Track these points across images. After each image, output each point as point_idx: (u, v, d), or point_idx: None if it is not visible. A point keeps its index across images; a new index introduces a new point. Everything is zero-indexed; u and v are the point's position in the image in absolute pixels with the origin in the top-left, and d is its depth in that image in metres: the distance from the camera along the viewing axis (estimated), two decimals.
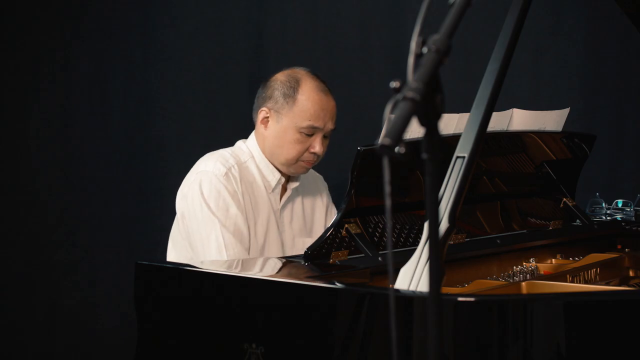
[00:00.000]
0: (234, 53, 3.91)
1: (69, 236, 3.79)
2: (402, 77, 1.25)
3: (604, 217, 3.01)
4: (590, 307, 1.80)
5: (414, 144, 1.25)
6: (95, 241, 3.82)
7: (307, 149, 2.65)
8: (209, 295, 2.11)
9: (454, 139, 2.03)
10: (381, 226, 2.37)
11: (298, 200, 2.79)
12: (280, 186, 2.72)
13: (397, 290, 1.81)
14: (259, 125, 2.71)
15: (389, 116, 1.22)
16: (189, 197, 2.60)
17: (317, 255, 2.22)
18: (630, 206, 3.01)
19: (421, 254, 1.85)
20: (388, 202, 1.25)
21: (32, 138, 3.75)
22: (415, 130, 1.47)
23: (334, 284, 1.95)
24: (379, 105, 1.92)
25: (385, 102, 1.23)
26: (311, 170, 2.82)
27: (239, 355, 1.98)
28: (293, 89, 2.65)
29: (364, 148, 2.20)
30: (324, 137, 2.69)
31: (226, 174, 2.60)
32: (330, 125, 2.69)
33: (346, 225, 2.28)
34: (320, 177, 2.97)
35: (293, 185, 2.76)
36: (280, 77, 2.70)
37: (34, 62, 3.74)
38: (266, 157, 2.70)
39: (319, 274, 2.15)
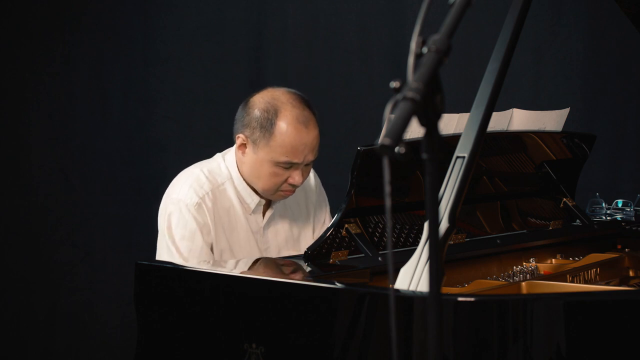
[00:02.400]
0: (234, 53, 3.91)
1: (69, 236, 3.79)
2: (402, 77, 1.25)
3: (604, 217, 3.01)
4: (590, 307, 1.80)
5: (414, 144, 1.25)
6: (95, 241, 3.83)
7: (285, 181, 2.49)
8: (209, 295, 2.11)
9: (454, 139, 2.03)
10: (381, 226, 2.37)
11: (284, 213, 2.67)
12: (260, 207, 2.60)
13: (397, 290, 1.81)
14: (237, 150, 2.55)
15: (389, 116, 1.22)
16: (160, 223, 2.53)
17: (317, 255, 2.22)
18: (630, 206, 3.01)
19: (421, 254, 1.85)
20: (388, 202, 1.25)
21: (32, 138, 3.76)
22: (415, 130, 1.47)
23: (334, 284, 1.95)
24: (379, 105, 1.93)
25: (385, 102, 1.23)
26: None
27: (239, 355, 1.98)
28: (270, 121, 2.44)
29: (364, 148, 2.20)
30: (305, 165, 2.52)
31: (198, 204, 2.47)
32: (310, 158, 2.48)
33: (346, 225, 2.28)
34: (310, 175, 2.78)
35: (277, 203, 2.63)
36: (259, 103, 2.48)
37: (34, 62, 3.74)
38: (246, 180, 2.56)
39: (319, 274, 2.15)
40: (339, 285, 1.92)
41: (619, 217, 3.00)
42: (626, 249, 2.81)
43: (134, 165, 3.85)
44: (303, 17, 3.95)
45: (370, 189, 2.30)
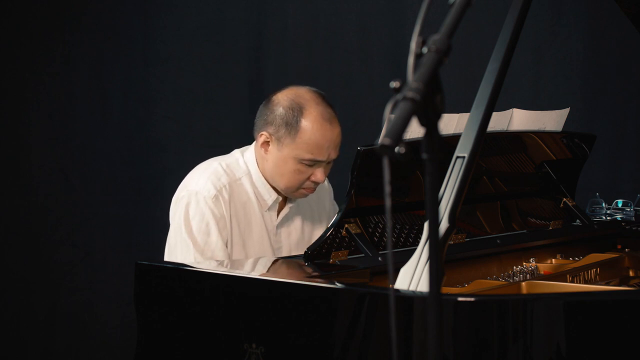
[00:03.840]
0: (234, 53, 3.91)
1: (69, 236, 3.79)
2: (402, 77, 1.25)
3: (604, 217, 3.01)
4: (590, 307, 1.80)
5: (414, 144, 1.25)
6: (95, 241, 3.83)
7: (308, 178, 2.51)
8: (209, 295, 2.11)
9: (454, 139, 2.03)
10: (381, 226, 2.37)
11: (297, 214, 2.68)
12: (276, 205, 2.61)
13: (397, 290, 1.81)
14: (258, 148, 2.55)
15: (389, 116, 1.22)
16: (176, 214, 2.52)
17: (317, 255, 2.22)
18: (630, 206, 3.01)
19: (421, 254, 1.85)
20: (388, 202, 1.25)
21: (32, 138, 3.76)
22: (415, 130, 1.47)
23: (334, 284, 1.95)
24: (379, 105, 1.93)
25: (385, 102, 1.23)
26: None
27: (239, 355, 1.98)
28: (296, 118, 2.46)
29: (364, 148, 2.20)
30: (327, 163, 2.53)
31: (215, 196, 2.48)
32: (333, 155, 2.51)
33: (346, 225, 2.28)
34: (325, 184, 2.82)
35: (291, 203, 2.64)
36: (283, 101, 2.50)
37: (34, 62, 3.74)
38: (265, 177, 2.57)
39: (319, 274, 2.15)
40: (339, 285, 1.93)
41: (619, 217, 3.00)
42: (626, 249, 2.81)
43: (134, 165, 3.85)
44: (303, 17, 3.95)
45: (370, 189, 2.30)
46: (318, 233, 2.71)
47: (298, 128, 2.46)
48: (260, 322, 1.97)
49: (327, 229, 2.25)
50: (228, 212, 2.50)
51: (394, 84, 1.25)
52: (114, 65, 3.83)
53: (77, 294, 3.80)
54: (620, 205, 3.03)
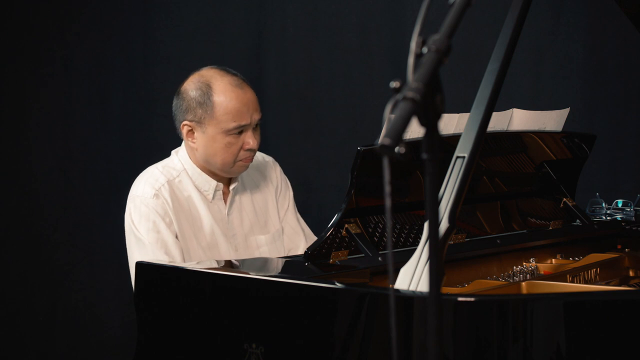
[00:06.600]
0: (234, 53, 3.91)
1: (69, 236, 3.79)
2: (402, 77, 1.25)
3: (604, 217, 3.01)
4: (590, 307, 1.80)
5: (414, 144, 1.25)
6: (95, 241, 3.83)
7: (241, 148, 2.56)
8: (209, 295, 2.11)
9: (454, 139, 2.03)
10: (381, 226, 2.37)
11: (245, 197, 2.70)
12: (220, 192, 2.64)
13: (397, 290, 1.81)
14: (186, 141, 2.63)
15: (389, 116, 1.22)
16: (126, 223, 2.57)
17: (317, 255, 2.22)
18: (630, 206, 3.00)
19: (421, 254, 1.85)
20: (388, 202, 1.25)
21: (32, 138, 3.76)
22: (415, 130, 1.47)
23: (334, 284, 1.95)
24: (379, 105, 1.93)
25: (385, 102, 1.23)
26: (256, 159, 2.72)
27: (239, 355, 1.98)
28: (207, 94, 2.54)
29: (364, 148, 2.20)
30: (254, 128, 2.58)
31: (155, 195, 2.54)
32: (256, 117, 2.56)
33: (346, 225, 2.28)
34: (269, 161, 2.83)
35: (233, 185, 2.66)
36: (190, 86, 2.59)
37: (34, 62, 3.75)
38: (200, 167, 2.62)
39: (319, 274, 2.15)
40: (339, 285, 1.92)
41: (619, 217, 3.00)
42: (626, 249, 2.81)
43: (134, 165, 3.84)
44: (303, 17, 3.95)
45: (370, 189, 2.30)
46: (273, 214, 2.75)
47: (212, 103, 2.53)
48: (260, 322, 1.97)
49: (327, 229, 2.26)
50: (171, 209, 2.54)
51: (394, 84, 1.25)
52: (114, 65, 3.83)
53: (77, 294, 3.81)
54: (620, 205, 3.03)
